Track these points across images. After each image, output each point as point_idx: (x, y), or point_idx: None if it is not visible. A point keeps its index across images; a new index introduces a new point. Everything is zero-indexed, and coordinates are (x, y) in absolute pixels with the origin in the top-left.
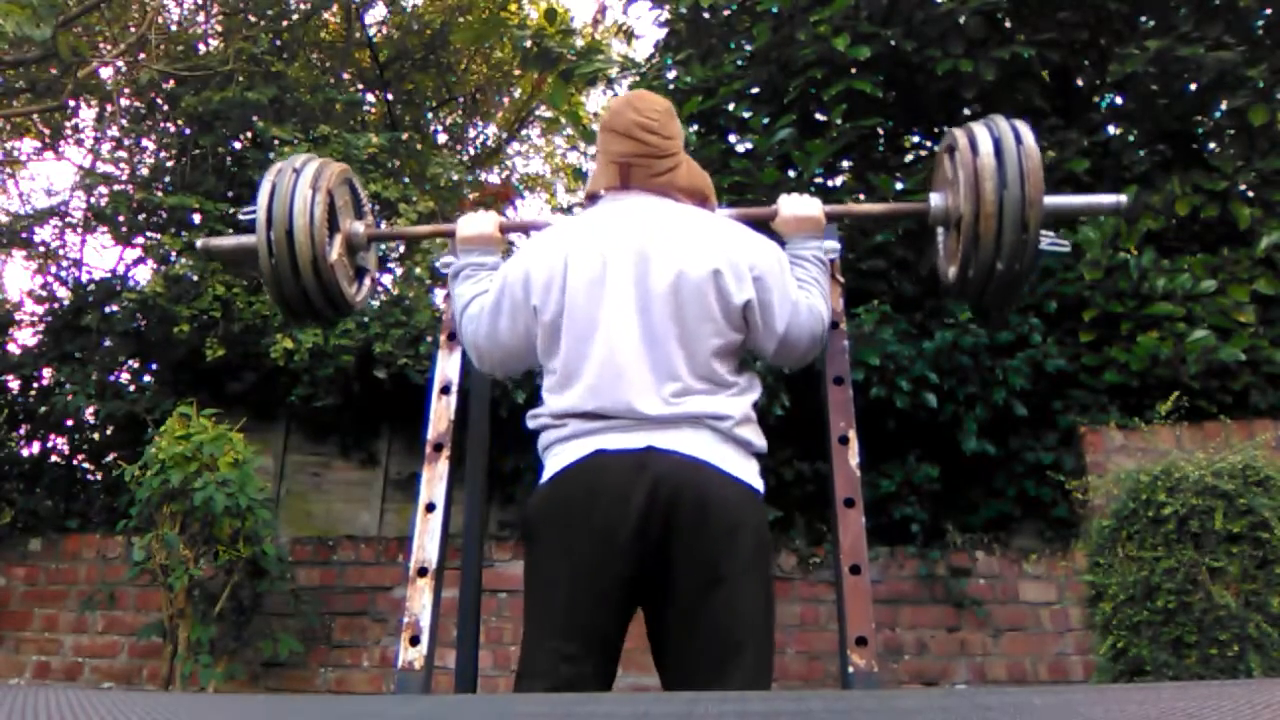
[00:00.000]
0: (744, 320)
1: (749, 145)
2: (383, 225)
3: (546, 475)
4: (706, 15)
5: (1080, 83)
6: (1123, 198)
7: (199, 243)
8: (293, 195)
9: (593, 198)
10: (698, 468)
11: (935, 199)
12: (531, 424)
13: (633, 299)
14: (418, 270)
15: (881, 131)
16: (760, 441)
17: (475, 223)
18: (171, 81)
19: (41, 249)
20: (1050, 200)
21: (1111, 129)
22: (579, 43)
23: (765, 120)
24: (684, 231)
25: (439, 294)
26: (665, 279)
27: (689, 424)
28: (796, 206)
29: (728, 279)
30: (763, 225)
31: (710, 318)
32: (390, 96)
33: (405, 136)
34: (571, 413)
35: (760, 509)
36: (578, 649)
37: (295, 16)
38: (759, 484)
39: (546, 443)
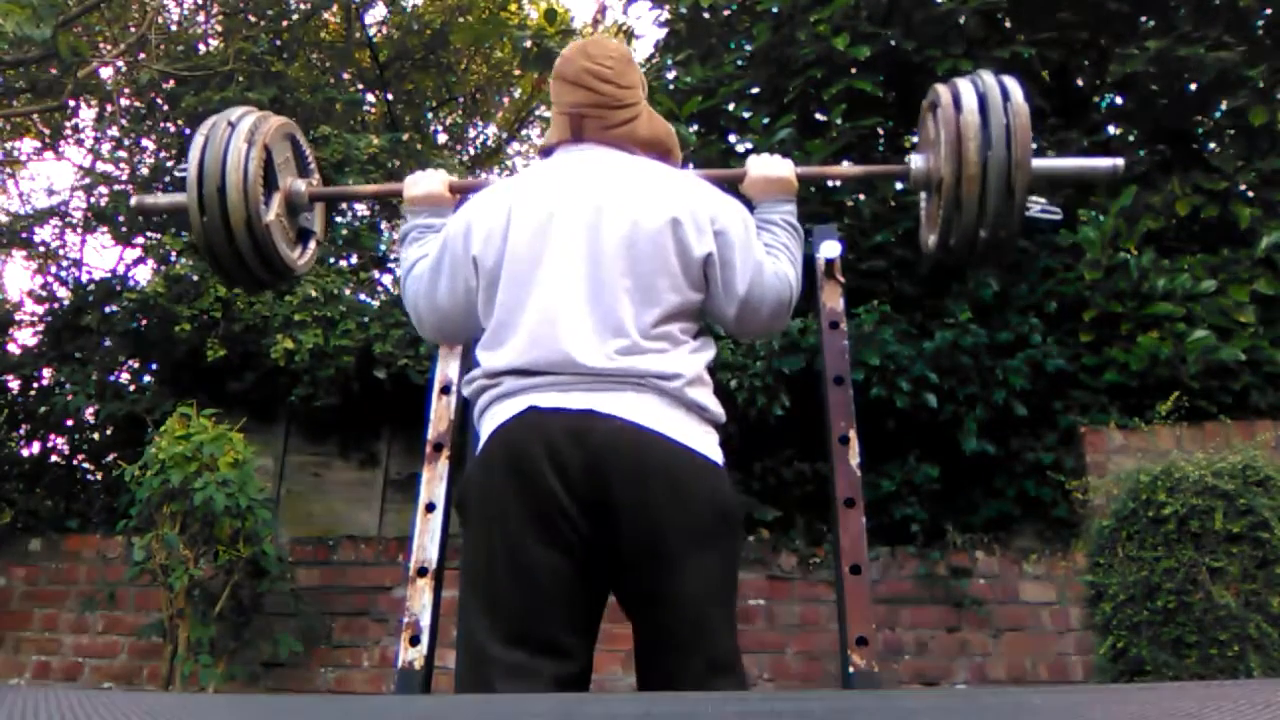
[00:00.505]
0: (704, 278)
1: (749, 145)
2: (383, 225)
3: (480, 444)
4: (706, 15)
5: (1080, 83)
6: (1119, 161)
7: (132, 200)
8: (226, 150)
9: (546, 152)
10: (639, 434)
11: (916, 160)
12: (466, 390)
13: (581, 250)
14: None
15: (881, 131)
16: (716, 408)
17: (423, 181)
18: (171, 81)
19: (41, 249)
20: (1039, 163)
21: (1111, 129)
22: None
23: (765, 120)
24: (640, 182)
25: None
26: (619, 229)
27: (633, 385)
28: (766, 167)
29: (687, 229)
30: (731, 189)
31: (667, 271)
32: (390, 96)
33: (405, 136)
34: (506, 370)
35: (718, 479)
36: (523, 656)
37: (295, 16)
38: (716, 453)
39: (481, 406)
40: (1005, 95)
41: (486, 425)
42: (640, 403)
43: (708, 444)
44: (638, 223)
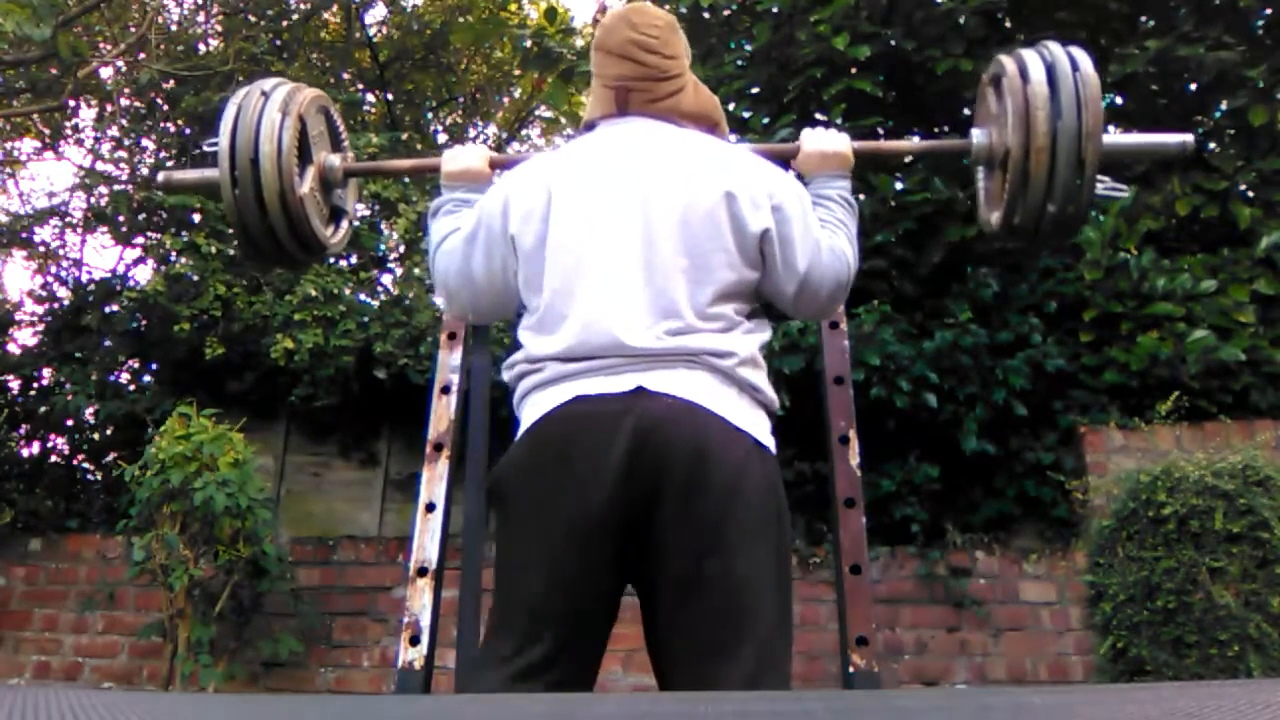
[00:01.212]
0: (760, 255)
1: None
2: (383, 225)
3: (520, 432)
4: (706, 15)
5: None
6: (1188, 138)
7: (159, 175)
8: (259, 120)
9: (589, 127)
10: (694, 412)
11: (978, 134)
12: (506, 375)
13: (633, 231)
14: (417, 270)
15: (881, 131)
16: (770, 392)
17: (462, 157)
18: (171, 81)
19: (41, 249)
20: (1109, 139)
21: (1111, 129)
22: (579, 43)
23: (765, 120)
24: (691, 156)
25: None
26: (671, 207)
27: (684, 362)
28: (821, 141)
29: (743, 204)
30: (784, 164)
31: (723, 248)
32: (390, 96)
33: (405, 136)
34: (551, 356)
35: (772, 467)
36: (543, 652)
37: (295, 16)
38: (769, 439)
39: (522, 392)
40: (1074, 65)
41: (529, 413)
42: (692, 379)
43: (762, 429)
44: (691, 199)
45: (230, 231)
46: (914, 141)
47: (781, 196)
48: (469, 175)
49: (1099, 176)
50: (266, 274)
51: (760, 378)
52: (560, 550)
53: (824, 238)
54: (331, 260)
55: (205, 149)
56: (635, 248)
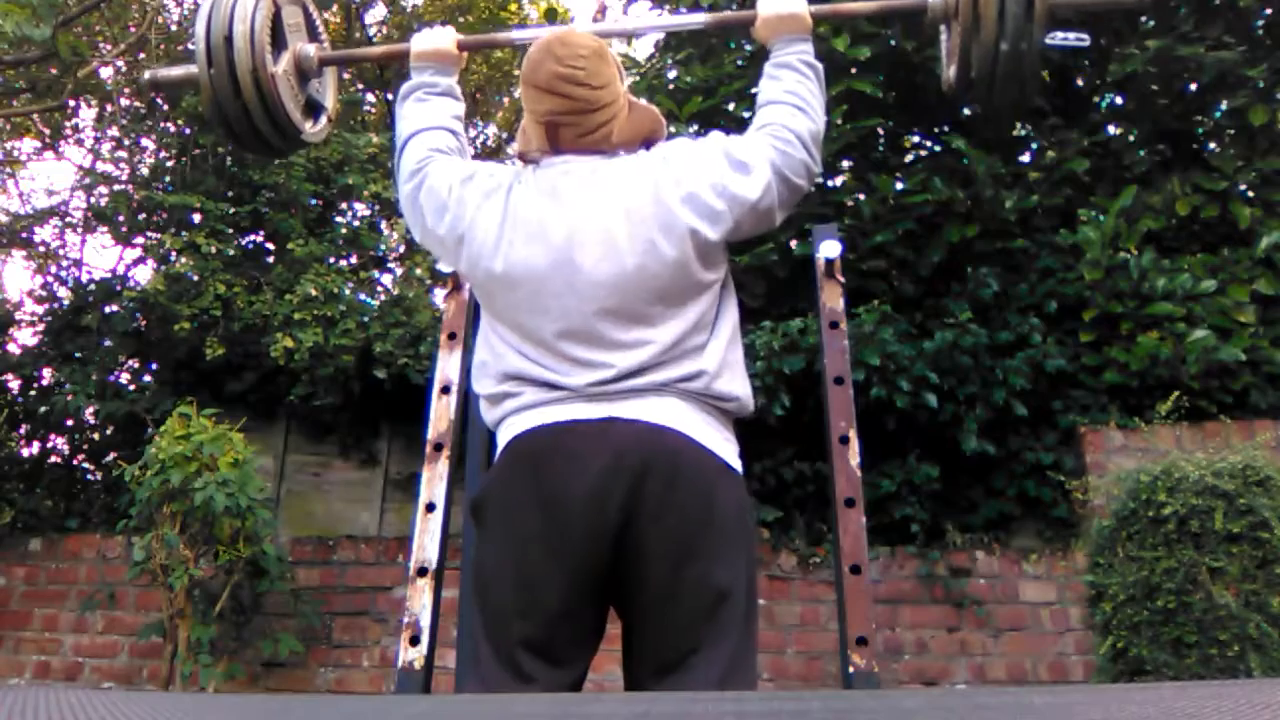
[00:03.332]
0: (732, 227)
1: None
2: (383, 225)
3: (499, 452)
4: None
5: (1080, 83)
6: None
7: (146, 74)
8: (234, 4)
9: (524, 158)
10: (663, 434)
11: None
12: (479, 388)
13: (603, 275)
14: (418, 270)
15: (881, 131)
16: (742, 392)
17: (431, 38)
18: None
19: (41, 249)
20: None
21: (1111, 129)
22: None
23: None
24: (641, 194)
25: (439, 294)
26: (634, 257)
27: (654, 391)
28: (777, 5)
29: (704, 230)
30: (742, 33)
31: (691, 281)
32: (390, 96)
33: None
34: (525, 378)
35: (740, 486)
36: (525, 667)
37: None
38: (737, 462)
39: (499, 416)
40: None
41: (504, 434)
42: (662, 406)
43: (729, 451)
44: (653, 246)
45: (230, 231)
46: (873, 3)
47: (722, 178)
48: (438, 55)
49: (1057, 33)
50: (251, 154)
51: (730, 380)
52: (532, 555)
53: (766, 147)
54: (331, 260)
55: (190, 47)
56: (604, 291)
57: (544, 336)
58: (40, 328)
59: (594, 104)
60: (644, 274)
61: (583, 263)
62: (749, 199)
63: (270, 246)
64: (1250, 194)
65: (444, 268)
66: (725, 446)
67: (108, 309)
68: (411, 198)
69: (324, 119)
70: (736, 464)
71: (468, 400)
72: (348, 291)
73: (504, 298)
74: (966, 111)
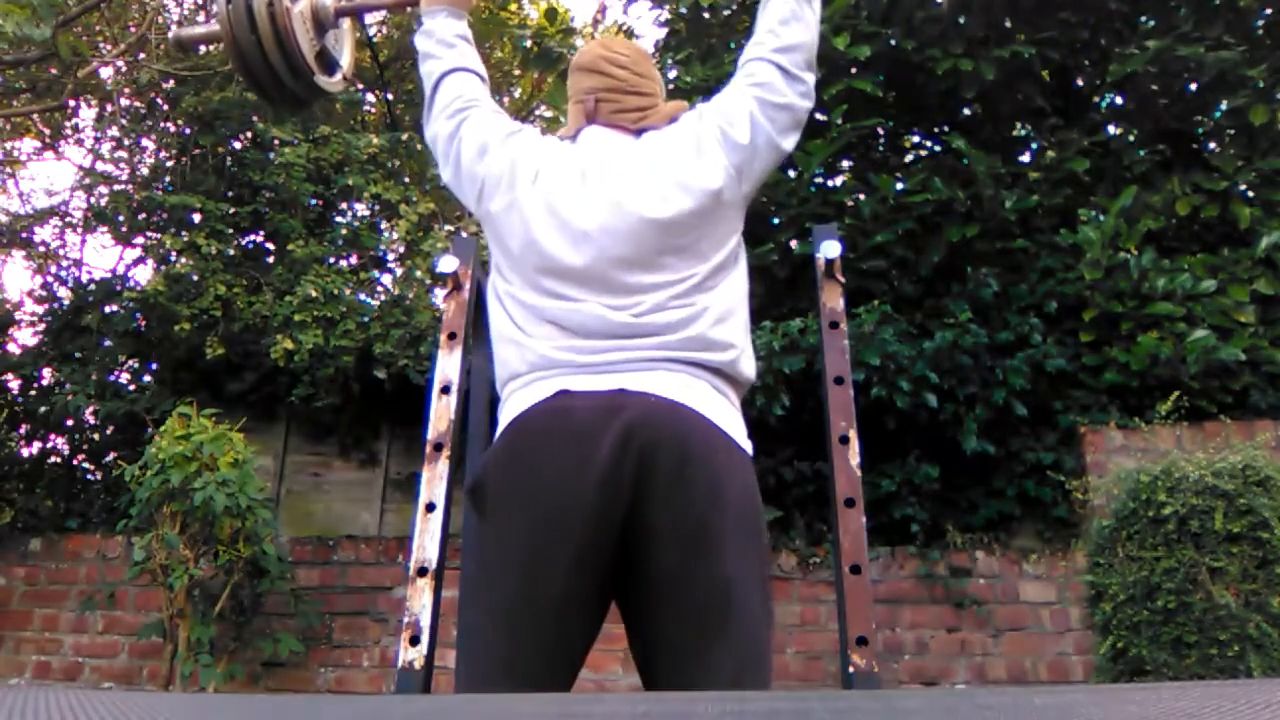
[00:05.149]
0: (758, 144)
1: None
2: (383, 225)
3: (501, 427)
4: (706, 15)
5: (1080, 82)
6: None
7: (170, 33)
8: None
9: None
10: (676, 410)
11: None
12: (491, 370)
13: (624, 224)
14: (418, 271)
15: (881, 131)
16: (746, 370)
17: None
18: (171, 81)
19: (41, 249)
20: None
21: (1111, 129)
22: (579, 43)
23: None
24: (667, 158)
25: (439, 294)
26: (661, 214)
27: (664, 364)
28: None
29: (727, 181)
30: None
31: (716, 238)
32: (390, 96)
33: (405, 136)
34: (535, 354)
35: (750, 468)
36: (514, 653)
37: None
38: (747, 444)
39: (508, 391)
40: None
41: (510, 409)
42: (672, 380)
43: (738, 429)
44: (673, 196)
45: (230, 231)
46: None
47: (728, 118)
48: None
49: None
50: (271, 104)
51: (729, 328)
52: (533, 540)
53: (767, 45)
54: (331, 260)
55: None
56: (628, 246)
57: (561, 268)
58: (40, 328)
59: (632, 86)
60: (660, 223)
61: (612, 204)
62: (756, 122)
63: (270, 247)
64: (1250, 194)
65: (469, 206)
66: (734, 421)
67: (108, 309)
68: (451, 134)
69: (339, 75)
70: (747, 444)
71: (468, 400)
72: (348, 292)
73: (527, 233)
74: (967, 111)
